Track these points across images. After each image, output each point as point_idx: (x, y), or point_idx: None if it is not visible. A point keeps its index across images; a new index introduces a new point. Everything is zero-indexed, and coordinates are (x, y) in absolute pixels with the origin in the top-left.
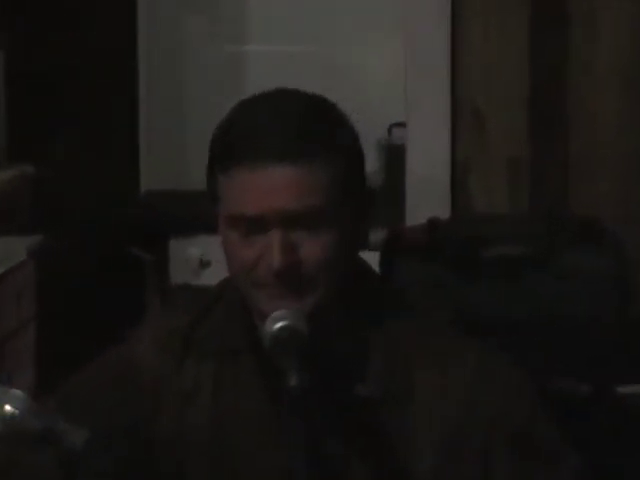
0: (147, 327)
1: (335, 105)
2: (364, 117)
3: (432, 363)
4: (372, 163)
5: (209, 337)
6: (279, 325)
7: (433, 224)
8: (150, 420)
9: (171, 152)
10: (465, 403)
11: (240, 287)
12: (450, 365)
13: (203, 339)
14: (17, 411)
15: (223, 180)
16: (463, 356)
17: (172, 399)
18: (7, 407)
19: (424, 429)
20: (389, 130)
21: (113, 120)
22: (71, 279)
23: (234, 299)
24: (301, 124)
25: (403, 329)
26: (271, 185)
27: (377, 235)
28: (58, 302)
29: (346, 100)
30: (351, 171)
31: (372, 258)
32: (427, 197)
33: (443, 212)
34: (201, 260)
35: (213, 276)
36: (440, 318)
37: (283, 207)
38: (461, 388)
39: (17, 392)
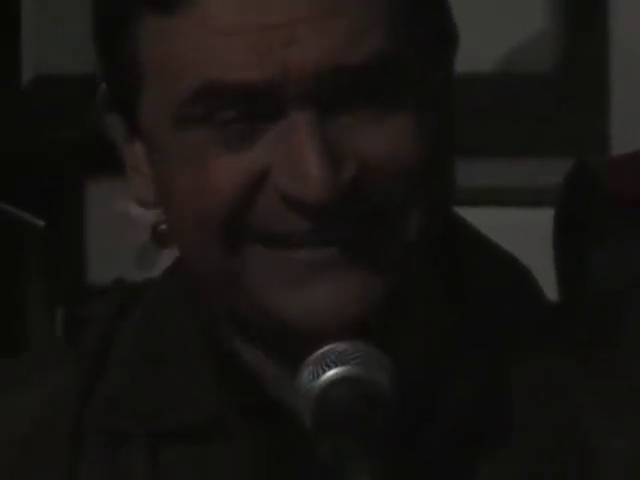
0: None
1: None
2: None
3: (618, 420)
4: (532, 18)
5: (129, 403)
6: (335, 375)
7: None
8: None
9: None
10: None
11: (208, 272)
12: None
13: (114, 409)
14: None
15: (161, 26)
16: None
17: None
18: None
19: None
20: None
21: None
22: None
23: (183, 313)
24: None
25: (565, 359)
26: (289, 17)
27: (546, 174)
28: None
29: None
30: None
31: (538, 219)
32: None
33: None
34: (156, 229)
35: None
36: None
37: (317, 60)
38: None
39: None
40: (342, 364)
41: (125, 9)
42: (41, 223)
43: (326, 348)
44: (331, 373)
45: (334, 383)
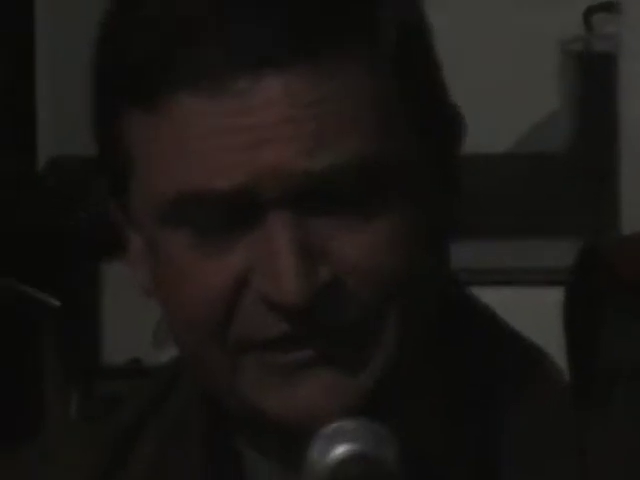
0: None
1: None
2: None
3: None
4: (545, 93)
5: None
6: (345, 453)
7: None
8: None
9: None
10: None
11: (199, 360)
12: None
13: None
14: None
15: (146, 122)
16: None
17: None
18: None
19: None
20: (585, 19)
21: None
22: None
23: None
24: None
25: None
26: (263, 119)
27: (559, 254)
28: None
29: None
30: (422, 78)
31: (549, 299)
32: None
33: None
34: None
35: None
36: None
37: (294, 166)
38: None
39: None
40: (352, 441)
41: (113, 101)
42: (57, 303)
43: (335, 425)
44: (341, 450)
45: (344, 460)
